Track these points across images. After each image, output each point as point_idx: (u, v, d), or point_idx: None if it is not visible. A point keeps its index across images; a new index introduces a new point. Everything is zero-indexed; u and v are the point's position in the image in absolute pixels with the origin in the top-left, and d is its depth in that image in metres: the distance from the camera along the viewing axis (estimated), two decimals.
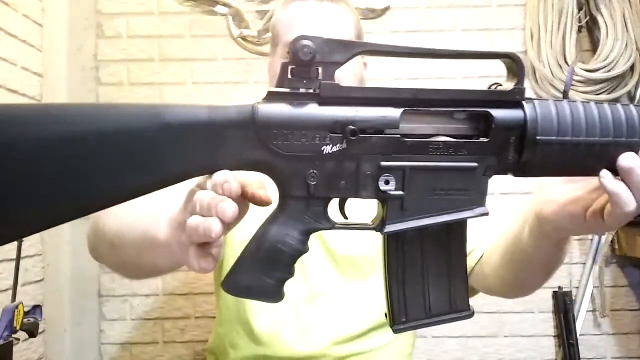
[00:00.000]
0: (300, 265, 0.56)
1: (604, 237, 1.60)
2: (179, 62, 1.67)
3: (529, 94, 1.70)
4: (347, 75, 0.89)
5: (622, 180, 0.56)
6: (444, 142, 0.54)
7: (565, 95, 1.55)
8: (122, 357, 1.65)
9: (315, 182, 0.53)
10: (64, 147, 0.48)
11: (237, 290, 0.56)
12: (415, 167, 0.54)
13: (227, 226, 0.51)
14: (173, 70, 1.67)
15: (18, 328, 1.17)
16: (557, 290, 1.63)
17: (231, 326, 1.03)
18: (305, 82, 0.52)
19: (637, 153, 0.56)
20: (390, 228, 0.54)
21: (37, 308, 1.30)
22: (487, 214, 0.56)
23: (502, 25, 1.67)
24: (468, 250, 0.61)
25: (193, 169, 0.52)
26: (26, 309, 1.21)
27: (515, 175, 0.58)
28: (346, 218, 0.58)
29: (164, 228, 0.58)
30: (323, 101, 0.53)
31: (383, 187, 0.53)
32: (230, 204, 0.49)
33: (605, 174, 0.56)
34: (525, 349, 1.64)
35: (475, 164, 0.54)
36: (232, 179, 0.51)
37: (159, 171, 0.51)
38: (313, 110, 0.52)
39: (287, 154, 0.52)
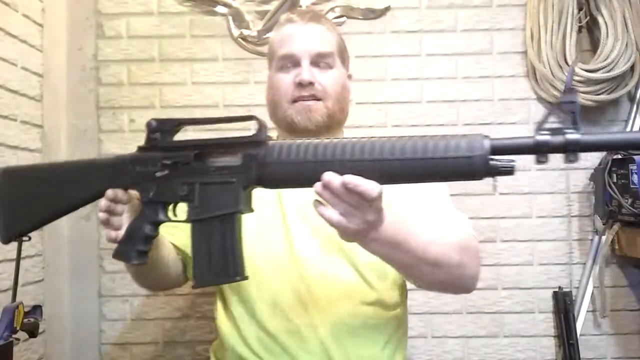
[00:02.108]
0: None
1: (604, 237, 1.60)
2: (179, 62, 1.67)
3: (529, 94, 1.71)
4: (337, 86, 1.11)
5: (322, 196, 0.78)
6: (216, 167, 0.87)
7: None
8: (122, 357, 1.65)
9: (152, 193, 0.90)
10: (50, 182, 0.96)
11: (116, 255, 0.92)
12: (201, 182, 0.87)
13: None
14: (173, 70, 1.67)
15: (18, 328, 1.16)
16: (557, 290, 1.63)
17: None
18: (154, 140, 0.91)
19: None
20: (191, 218, 0.88)
21: (37, 308, 1.29)
22: (242, 212, 0.85)
23: (502, 25, 1.67)
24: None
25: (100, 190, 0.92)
26: (26, 309, 1.21)
27: (263, 187, 0.85)
28: (175, 215, 0.91)
29: None
30: (160, 149, 0.91)
31: (183, 194, 0.88)
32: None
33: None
34: (525, 349, 1.64)
35: (233, 179, 0.85)
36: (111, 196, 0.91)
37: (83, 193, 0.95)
38: (154, 153, 0.91)
39: (141, 178, 0.90)
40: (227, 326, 1.10)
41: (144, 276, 1.11)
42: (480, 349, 1.64)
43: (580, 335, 1.60)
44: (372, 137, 0.78)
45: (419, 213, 1.00)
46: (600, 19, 1.57)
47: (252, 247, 1.08)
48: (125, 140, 1.64)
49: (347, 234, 0.81)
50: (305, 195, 0.92)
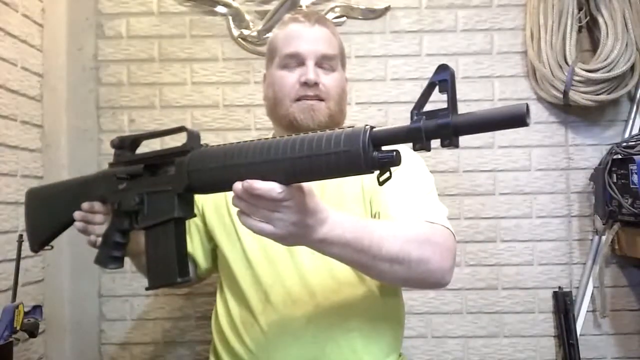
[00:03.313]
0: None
1: (604, 237, 1.60)
2: (179, 62, 1.67)
3: (529, 94, 1.71)
4: (338, 88, 1.13)
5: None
6: (160, 177, 0.93)
7: (565, 95, 1.55)
8: (122, 357, 1.65)
9: (116, 204, 0.99)
10: (58, 198, 1.09)
11: (96, 261, 1.02)
12: (147, 191, 0.94)
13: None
14: (173, 70, 1.67)
15: (18, 328, 1.17)
16: (557, 290, 1.63)
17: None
18: (119, 155, 1.02)
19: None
20: (141, 225, 0.95)
21: (37, 308, 1.30)
22: (179, 218, 0.90)
23: (502, 25, 1.67)
24: None
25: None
26: (26, 309, 1.22)
27: (195, 193, 0.89)
28: (137, 222, 0.97)
29: None
30: (122, 164, 1.00)
31: (135, 204, 0.95)
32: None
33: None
34: (525, 349, 1.64)
35: (169, 187, 0.90)
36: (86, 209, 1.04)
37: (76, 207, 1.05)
38: (116, 169, 1.00)
39: (109, 191, 1.00)
40: (225, 324, 1.12)
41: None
42: (480, 349, 1.64)
43: (580, 335, 1.61)
44: (279, 137, 0.77)
45: (383, 206, 1.00)
46: (600, 19, 1.57)
47: (245, 243, 1.09)
48: None
49: (280, 240, 0.78)
50: None
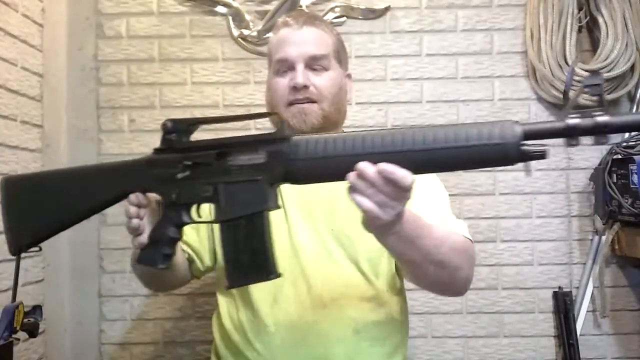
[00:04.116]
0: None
1: (604, 237, 1.60)
2: (179, 62, 1.67)
3: (529, 94, 1.71)
4: (332, 87, 1.12)
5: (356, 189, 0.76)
6: (239, 165, 0.85)
7: (565, 95, 1.55)
8: (122, 357, 1.65)
9: (175, 195, 0.88)
10: (63, 188, 0.94)
11: (142, 260, 0.92)
12: (225, 182, 0.86)
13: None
14: (173, 70, 1.67)
15: (18, 328, 1.16)
16: (557, 290, 1.63)
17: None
18: (171, 141, 0.90)
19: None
20: (220, 219, 0.87)
21: (37, 308, 1.29)
22: (269, 209, 0.84)
23: (502, 25, 1.67)
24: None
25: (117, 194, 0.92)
26: (26, 309, 1.21)
27: (290, 183, 0.84)
28: (199, 216, 0.91)
29: None
30: (178, 150, 0.90)
31: (207, 195, 0.87)
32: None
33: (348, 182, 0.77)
34: (525, 349, 1.64)
35: (259, 177, 0.83)
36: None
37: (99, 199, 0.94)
38: (173, 155, 0.90)
39: (160, 181, 0.89)
40: (228, 324, 1.11)
41: (156, 278, 1.12)
42: (480, 349, 1.64)
43: (580, 335, 1.60)
44: (400, 128, 0.78)
45: (426, 215, 1.01)
46: (600, 19, 1.57)
47: None
48: (125, 140, 1.64)
49: (375, 225, 0.80)
50: (304, 190, 0.96)
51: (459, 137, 0.75)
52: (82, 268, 1.61)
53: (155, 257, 0.91)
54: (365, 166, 0.75)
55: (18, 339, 1.18)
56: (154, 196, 0.92)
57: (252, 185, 0.83)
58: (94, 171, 0.97)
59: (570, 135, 0.72)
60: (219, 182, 0.86)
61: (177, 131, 0.90)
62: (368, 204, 0.76)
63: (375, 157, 0.76)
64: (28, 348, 1.46)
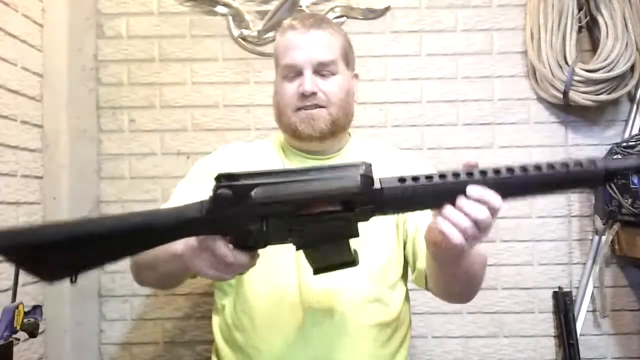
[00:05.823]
0: None
1: (604, 237, 1.60)
2: (179, 62, 1.67)
3: (529, 94, 1.71)
4: (340, 92, 1.11)
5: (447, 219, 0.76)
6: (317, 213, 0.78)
7: (565, 95, 1.55)
8: (122, 357, 1.65)
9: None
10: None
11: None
12: (299, 228, 0.80)
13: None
14: (173, 70, 1.67)
15: (18, 328, 1.16)
16: (557, 290, 1.63)
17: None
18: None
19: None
20: (299, 247, 0.83)
21: (37, 308, 1.30)
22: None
23: (502, 25, 1.67)
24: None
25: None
26: (26, 309, 1.21)
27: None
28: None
29: (180, 245, 0.87)
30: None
31: (285, 239, 0.81)
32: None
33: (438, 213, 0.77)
34: (525, 349, 1.64)
35: (341, 224, 0.78)
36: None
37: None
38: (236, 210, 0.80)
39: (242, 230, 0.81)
40: (231, 324, 1.11)
41: (157, 272, 1.06)
42: (480, 349, 1.64)
43: (580, 335, 1.60)
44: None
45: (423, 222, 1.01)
46: (600, 19, 1.57)
47: None
48: (125, 140, 1.64)
49: (451, 252, 0.81)
50: None
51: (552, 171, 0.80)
52: None
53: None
54: (474, 189, 0.77)
55: (18, 339, 1.18)
56: None
57: (335, 224, 0.79)
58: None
59: None
60: (294, 229, 0.80)
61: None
62: (452, 231, 0.76)
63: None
64: (28, 348, 1.46)
